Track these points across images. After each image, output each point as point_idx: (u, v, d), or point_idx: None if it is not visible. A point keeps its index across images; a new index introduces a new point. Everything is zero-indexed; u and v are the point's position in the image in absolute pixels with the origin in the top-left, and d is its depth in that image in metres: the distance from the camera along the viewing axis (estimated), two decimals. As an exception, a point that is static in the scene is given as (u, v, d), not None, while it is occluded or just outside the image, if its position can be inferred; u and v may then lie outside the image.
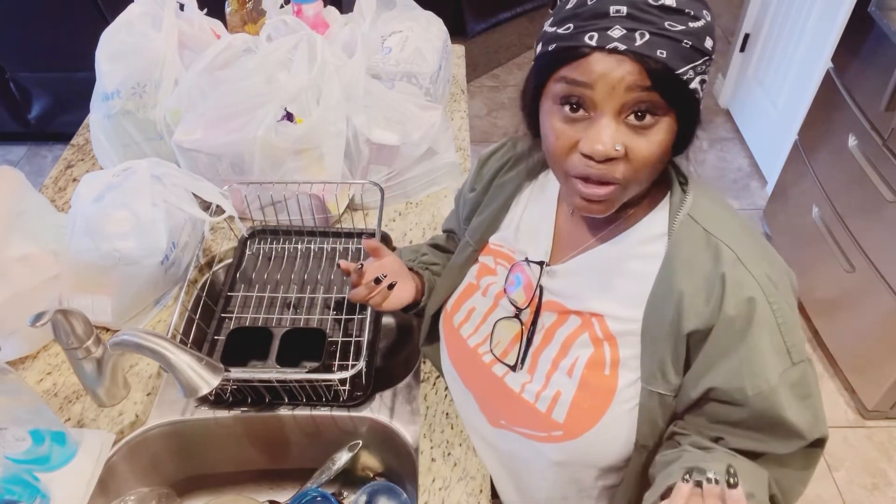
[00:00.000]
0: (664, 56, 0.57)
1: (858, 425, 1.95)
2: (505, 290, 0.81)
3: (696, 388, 0.68)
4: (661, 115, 0.61)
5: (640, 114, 0.60)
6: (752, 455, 0.69)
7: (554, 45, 0.62)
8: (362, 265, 0.85)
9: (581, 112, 0.62)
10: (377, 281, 0.84)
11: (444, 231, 1.05)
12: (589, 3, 0.60)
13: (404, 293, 0.89)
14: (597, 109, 0.61)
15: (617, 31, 0.58)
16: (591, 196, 0.65)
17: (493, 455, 0.89)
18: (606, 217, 0.71)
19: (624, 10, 0.58)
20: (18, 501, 0.81)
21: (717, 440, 0.71)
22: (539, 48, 0.65)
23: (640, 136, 0.61)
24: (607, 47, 0.58)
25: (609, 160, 0.62)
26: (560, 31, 0.61)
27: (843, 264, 1.85)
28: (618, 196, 0.65)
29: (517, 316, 0.80)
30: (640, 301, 0.70)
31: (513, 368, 0.79)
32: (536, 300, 0.78)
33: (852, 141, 1.80)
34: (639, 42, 0.57)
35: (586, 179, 0.64)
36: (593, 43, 0.58)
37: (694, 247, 0.68)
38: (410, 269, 0.93)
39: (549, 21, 0.64)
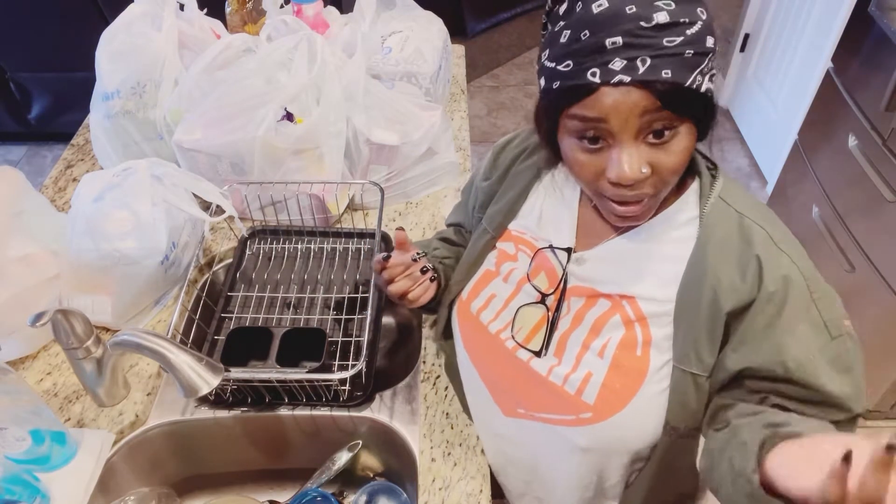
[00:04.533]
0: (669, 75, 0.58)
1: (859, 425, 1.94)
2: (528, 277, 0.81)
3: (736, 362, 0.68)
4: (677, 127, 0.61)
5: (657, 132, 0.61)
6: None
7: (558, 83, 0.62)
8: (389, 256, 0.83)
9: (601, 143, 0.63)
10: (423, 271, 0.83)
11: (449, 225, 1.05)
12: (583, 37, 0.59)
13: (433, 285, 0.88)
14: (615, 138, 0.61)
15: (618, 63, 0.58)
16: (626, 213, 0.67)
17: (504, 447, 0.88)
18: None
19: (620, 40, 0.57)
20: (18, 501, 0.81)
21: (762, 401, 0.69)
22: (542, 83, 0.65)
23: (662, 151, 0.62)
24: (612, 81, 0.58)
25: (639, 181, 0.63)
26: (560, 67, 0.61)
27: (843, 264, 1.85)
28: (653, 205, 0.67)
29: (542, 302, 0.79)
30: (673, 282, 0.71)
31: (537, 354, 0.79)
32: (561, 286, 0.79)
33: (852, 141, 1.80)
34: (641, 70, 0.57)
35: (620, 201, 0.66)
36: (597, 79, 0.59)
37: (727, 227, 0.69)
38: None
39: (546, 53, 0.64)
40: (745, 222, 0.69)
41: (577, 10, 0.60)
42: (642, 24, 0.57)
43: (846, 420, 0.69)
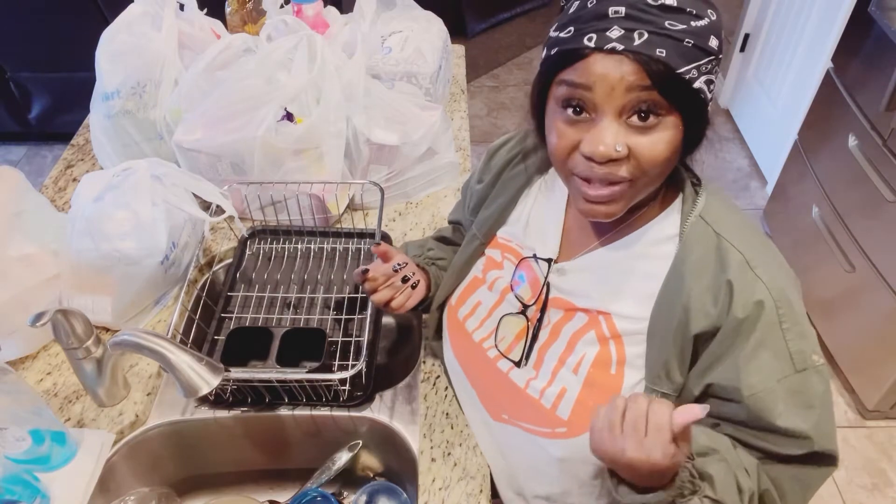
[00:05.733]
0: (664, 55, 0.57)
1: (858, 425, 1.95)
2: (511, 287, 0.81)
3: (698, 385, 0.69)
4: (664, 115, 0.60)
5: (642, 114, 0.60)
6: (755, 450, 0.70)
7: (556, 49, 0.62)
8: (367, 269, 0.85)
9: (583, 114, 0.62)
10: (405, 280, 0.84)
11: (450, 222, 1.05)
12: (589, 5, 0.60)
13: (421, 290, 0.89)
14: (598, 111, 0.61)
15: (615, 32, 0.58)
16: (596, 198, 0.64)
17: (494, 447, 0.89)
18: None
19: (622, 10, 0.58)
20: (18, 501, 0.81)
21: (714, 426, 0.71)
22: (543, 53, 0.66)
23: (643, 136, 0.61)
24: (605, 48, 0.58)
25: (611, 161, 0.61)
26: (562, 34, 0.62)
27: (843, 264, 1.85)
28: (625, 194, 0.64)
29: (523, 312, 0.80)
30: (649, 301, 0.70)
31: (517, 364, 0.79)
32: (543, 297, 0.78)
33: (852, 141, 1.80)
34: (637, 42, 0.57)
35: (590, 181, 0.64)
36: (592, 44, 0.59)
37: (704, 249, 0.68)
38: (416, 264, 0.93)
39: (553, 26, 0.64)
40: (722, 245, 0.68)
41: None
42: (648, 0, 0.58)
43: (807, 454, 0.67)
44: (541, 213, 0.82)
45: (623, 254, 0.73)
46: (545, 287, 0.78)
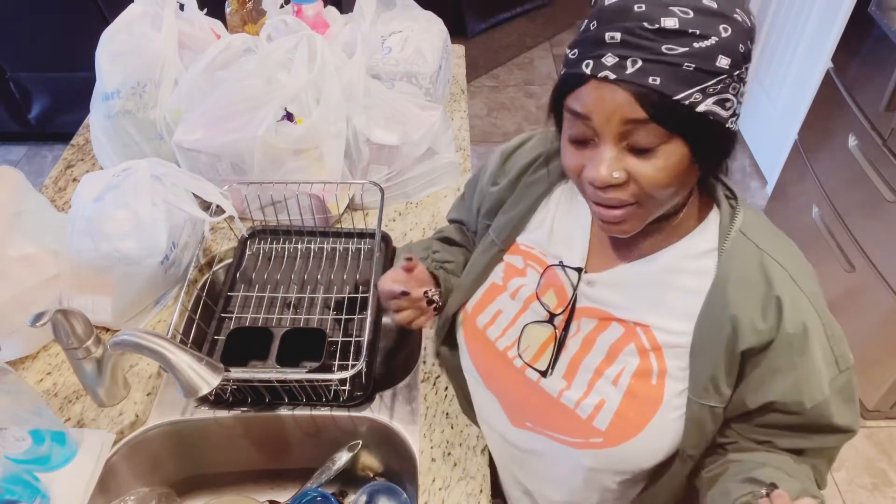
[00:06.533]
0: (657, 83, 0.55)
1: (860, 425, 1.95)
2: (537, 295, 0.79)
3: (755, 401, 0.69)
4: (663, 142, 0.59)
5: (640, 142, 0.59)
6: (797, 450, 0.72)
7: (563, 70, 0.62)
8: (406, 292, 0.80)
9: (587, 139, 0.62)
10: (430, 302, 0.82)
11: (451, 221, 1.02)
12: (591, 28, 0.59)
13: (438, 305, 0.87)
14: (599, 136, 0.60)
15: (609, 59, 0.57)
16: (607, 218, 0.65)
17: (509, 453, 0.88)
18: (646, 229, 0.69)
19: (618, 36, 0.56)
20: (18, 501, 0.81)
21: (762, 443, 0.72)
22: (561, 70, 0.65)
23: (643, 161, 0.60)
24: (599, 76, 0.57)
25: (612, 186, 0.61)
26: (569, 55, 0.62)
27: (843, 264, 1.85)
28: (636, 215, 0.64)
29: (550, 321, 0.78)
30: (690, 316, 0.69)
31: (543, 374, 0.77)
32: (570, 306, 0.77)
33: (852, 141, 1.80)
34: (630, 70, 0.56)
35: (599, 203, 0.65)
36: (588, 71, 0.58)
37: (747, 264, 0.68)
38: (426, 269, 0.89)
39: (570, 42, 0.64)
40: (765, 260, 0.67)
41: (600, 1, 0.60)
42: (645, 24, 0.55)
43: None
44: (565, 220, 0.80)
45: (657, 267, 0.72)
46: (573, 296, 0.77)
